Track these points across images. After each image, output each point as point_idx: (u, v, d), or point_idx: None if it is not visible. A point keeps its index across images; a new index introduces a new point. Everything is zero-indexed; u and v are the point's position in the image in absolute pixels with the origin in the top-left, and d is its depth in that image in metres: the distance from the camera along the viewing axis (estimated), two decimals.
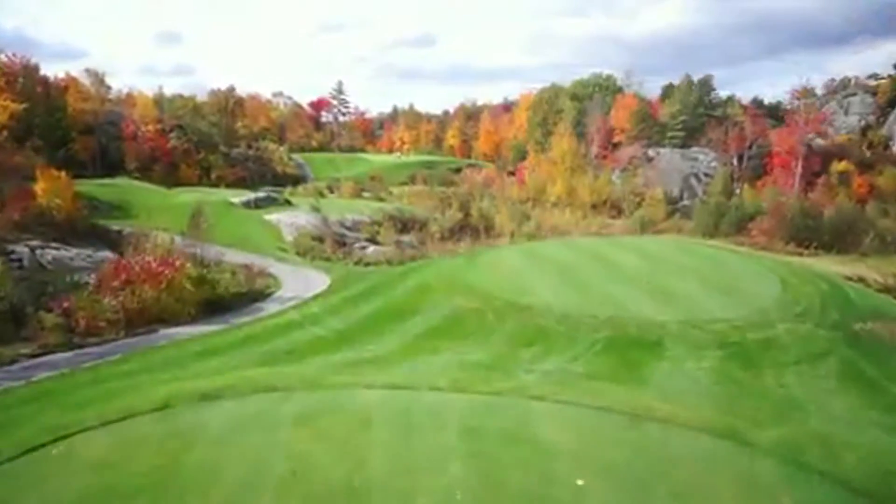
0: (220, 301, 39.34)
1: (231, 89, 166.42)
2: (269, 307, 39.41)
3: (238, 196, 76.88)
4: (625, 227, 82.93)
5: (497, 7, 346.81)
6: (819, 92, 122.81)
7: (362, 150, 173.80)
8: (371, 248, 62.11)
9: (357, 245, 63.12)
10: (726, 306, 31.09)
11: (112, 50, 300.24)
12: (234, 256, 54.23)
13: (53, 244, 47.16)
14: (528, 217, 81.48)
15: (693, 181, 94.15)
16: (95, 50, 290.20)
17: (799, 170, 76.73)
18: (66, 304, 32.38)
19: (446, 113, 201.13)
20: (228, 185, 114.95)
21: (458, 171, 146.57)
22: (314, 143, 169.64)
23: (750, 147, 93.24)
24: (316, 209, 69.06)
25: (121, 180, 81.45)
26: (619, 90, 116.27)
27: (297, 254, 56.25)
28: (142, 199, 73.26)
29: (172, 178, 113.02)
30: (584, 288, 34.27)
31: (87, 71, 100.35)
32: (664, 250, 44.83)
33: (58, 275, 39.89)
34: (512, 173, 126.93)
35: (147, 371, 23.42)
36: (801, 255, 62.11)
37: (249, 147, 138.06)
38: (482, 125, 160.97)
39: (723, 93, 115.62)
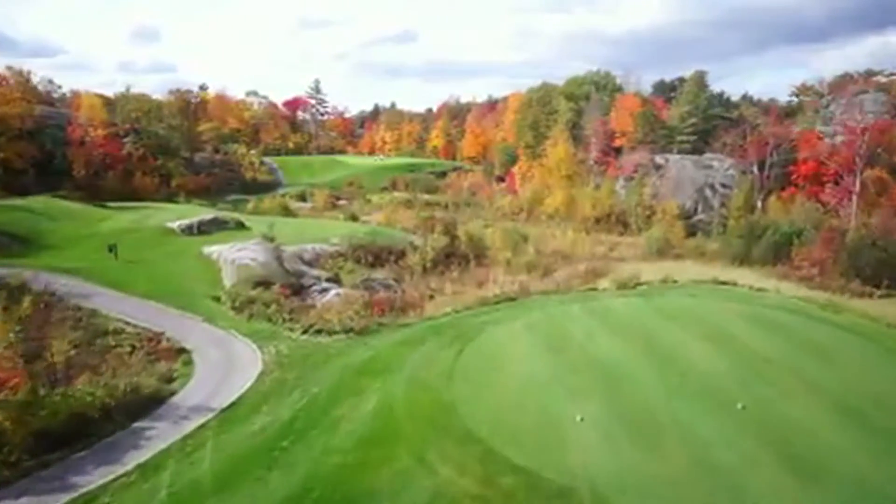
0: (78, 425, 24.34)
1: (203, 87, 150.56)
2: (150, 435, 24.42)
3: (180, 219, 61.36)
4: (636, 249, 68.28)
5: (478, 3, 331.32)
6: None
7: (341, 152, 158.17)
8: (332, 292, 47.05)
9: (315, 288, 48.02)
10: None
11: (89, 47, 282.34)
12: (147, 314, 39.39)
13: None
14: (525, 238, 66.58)
15: (708, 192, 79.63)
16: (71, 47, 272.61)
17: (857, 187, 62.17)
18: None
19: (429, 111, 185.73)
20: (190, 194, 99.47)
21: (443, 174, 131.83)
22: (290, 145, 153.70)
23: (773, 153, 78.80)
24: (269, 238, 53.80)
25: (38, 200, 65.40)
26: (619, 89, 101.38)
27: (234, 307, 41.08)
28: (58, 226, 57.55)
29: (127, 188, 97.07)
30: (657, 433, 19.57)
31: (10, 69, 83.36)
32: (759, 335, 29.85)
33: None
34: (501, 179, 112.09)
35: None
36: (870, 295, 47.84)
37: (217, 151, 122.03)
38: (467, 126, 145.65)
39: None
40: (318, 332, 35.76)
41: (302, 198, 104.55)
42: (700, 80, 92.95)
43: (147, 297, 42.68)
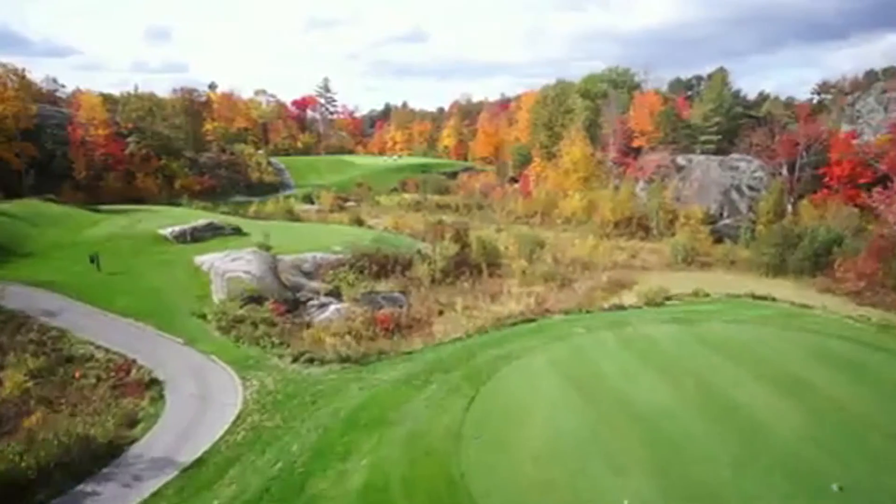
0: (3, 494, 19.67)
1: (212, 86, 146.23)
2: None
3: (174, 225, 56.72)
4: (660, 256, 62.98)
5: (490, 1, 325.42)
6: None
7: (351, 152, 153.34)
8: (332, 308, 42.26)
9: (313, 303, 43.22)
10: None
11: (102, 47, 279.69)
12: (123, 335, 34.86)
13: None
14: (541, 244, 61.43)
15: (735, 195, 74.06)
16: (85, 47, 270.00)
17: None
18: None
19: (441, 110, 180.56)
20: (193, 196, 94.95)
21: (454, 175, 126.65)
22: (299, 145, 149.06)
23: (804, 153, 73.16)
24: (265, 247, 49.07)
25: (22, 204, 60.99)
26: (637, 86, 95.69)
27: (220, 327, 36.30)
28: (40, 233, 53.06)
29: (129, 189, 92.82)
30: None
31: (4, 66, 78.95)
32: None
33: None
34: (514, 180, 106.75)
35: None
36: None
37: (223, 151, 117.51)
38: (479, 125, 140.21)
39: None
40: (311, 360, 30.81)
41: (308, 199, 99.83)
42: (724, 76, 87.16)
43: (125, 315, 38.06)
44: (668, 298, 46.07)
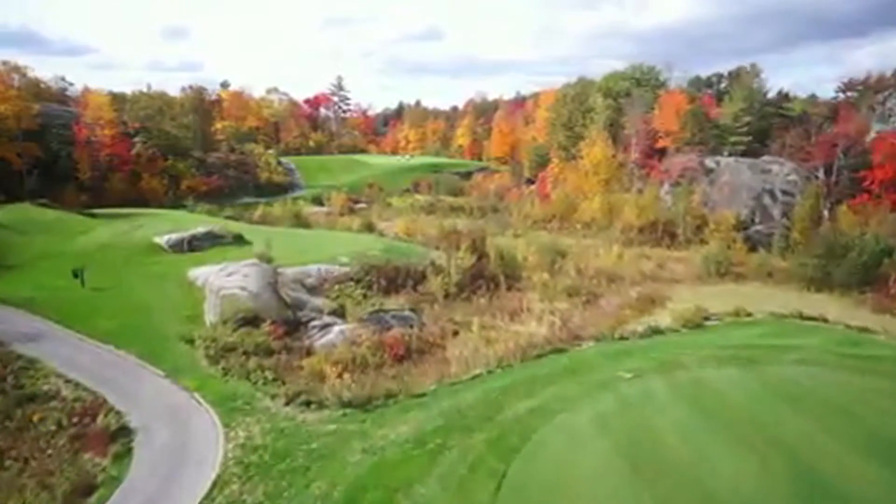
0: None
1: (225, 84, 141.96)
2: None
3: (171, 232, 52.32)
4: (689, 266, 57.72)
5: (504, 0, 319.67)
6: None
7: (363, 151, 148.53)
8: (336, 330, 37.58)
9: (315, 324, 38.51)
10: None
11: (118, 46, 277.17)
12: (98, 365, 30.64)
13: None
14: (563, 254, 56.43)
15: (767, 200, 68.52)
16: (101, 45, 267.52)
17: None
18: None
19: (455, 109, 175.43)
20: (200, 197, 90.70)
21: (469, 175, 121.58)
22: (311, 144, 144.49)
23: (842, 155, 67.57)
24: (266, 259, 44.46)
25: (10, 209, 56.76)
26: (662, 84, 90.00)
27: (208, 355, 31.68)
28: (27, 242, 48.78)
29: (134, 191, 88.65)
30: None
31: (5, 63, 74.94)
32: None
33: None
34: (530, 181, 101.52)
35: None
36: None
37: (232, 151, 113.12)
38: (495, 124, 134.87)
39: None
40: (307, 403, 26.08)
41: (318, 201, 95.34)
42: (755, 73, 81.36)
43: (106, 340, 33.60)
44: (707, 318, 41.12)
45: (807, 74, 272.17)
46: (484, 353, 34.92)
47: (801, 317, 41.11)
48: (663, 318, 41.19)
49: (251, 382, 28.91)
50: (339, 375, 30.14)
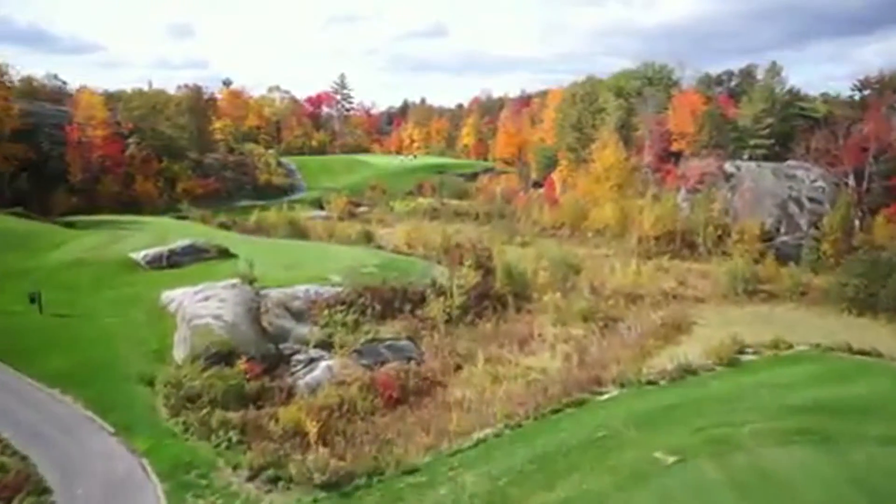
0: None
1: (227, 83, 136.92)
2: None
3: (151, 246, 47.32)
4: (712, 282, 52.32)
5: None
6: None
7: (367, 150, 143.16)
8: (322, 366, 32.53)
9: (299, 359, 33.40)
10: None
11: (125, 43, 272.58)
12: (37, 417, 26.18)
13: None
14: (577, 270, 51.17)
15: (793, 208, 62.98)
16: (109, 44, 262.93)
17: None
18: None
19: (460, 107, 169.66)
20: (196, 200, 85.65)
21: (474, 176, 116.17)
22: (313, 143, 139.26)
23: (873, 160, 62.00)
24: (248, 280, 39.35)
25: None
26: (675, 83, 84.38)
27: (167, 406, 26.56)
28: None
29: (127, 194, 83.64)
30: None
31: None
32: None
33: None
34: (538, 184, 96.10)
35: None
36: None
37: (231, 152, 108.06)
38: (500, 124, 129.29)
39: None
40: (275, 480, 20.99)
41: (318, 204, 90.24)
42: (776, 71, 75.65)
43: (54, 382, 28.57)
44: (741, 351, 35.84)
45: (814, 72, 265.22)
46: (489, 395, 29.96)
47: (850, 350, 35.73)
48: (692, 349, 36.07)
49: (212, 444, 23.84)
50: (321, 432, 25.11)
